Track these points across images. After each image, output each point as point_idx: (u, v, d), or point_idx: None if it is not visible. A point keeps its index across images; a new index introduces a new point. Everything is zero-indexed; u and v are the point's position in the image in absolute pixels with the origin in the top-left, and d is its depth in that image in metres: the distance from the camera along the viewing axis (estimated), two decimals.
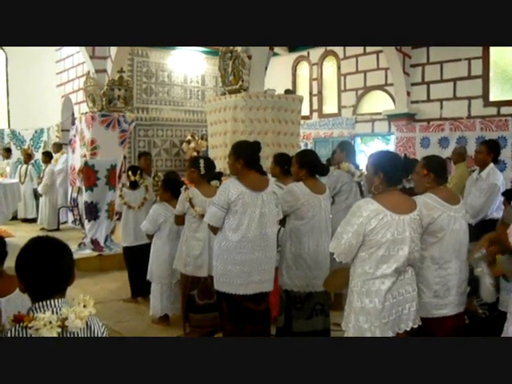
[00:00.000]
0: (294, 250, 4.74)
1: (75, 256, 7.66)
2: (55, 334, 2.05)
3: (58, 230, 11.62)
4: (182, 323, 5.62)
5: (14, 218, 12.27)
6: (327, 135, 12.93)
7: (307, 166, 4.82)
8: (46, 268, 2.15)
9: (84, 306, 2.13)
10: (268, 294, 4.66)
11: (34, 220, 12.54)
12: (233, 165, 4.55)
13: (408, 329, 3.40)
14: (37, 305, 2.14)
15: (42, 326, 2.03)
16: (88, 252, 8.84)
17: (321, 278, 4.68)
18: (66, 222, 12.14)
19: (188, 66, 13.31)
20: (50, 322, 2.04)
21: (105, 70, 10.08)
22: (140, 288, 6.67)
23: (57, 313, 2.10)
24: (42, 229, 11.62)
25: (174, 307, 6.00)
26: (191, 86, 13.48)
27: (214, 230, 4.56)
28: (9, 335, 2.08)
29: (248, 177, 4.46)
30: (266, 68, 7.67)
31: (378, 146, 12.16)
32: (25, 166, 12.67)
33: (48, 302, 2.14)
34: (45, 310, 2.10)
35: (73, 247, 8.92)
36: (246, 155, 4.50)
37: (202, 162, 5.43)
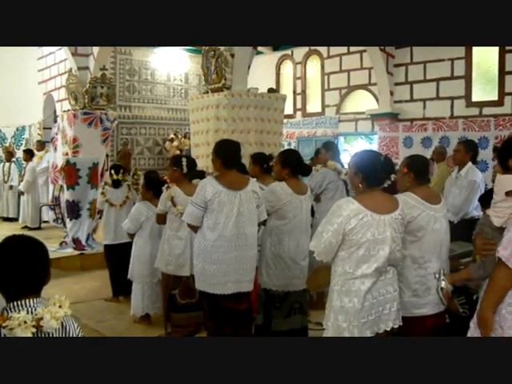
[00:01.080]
0: (273, 249, 4.74)
1: (56, 255, 7.67)
2: (30, 334, 2.02)
3: (39, 228, 11.54)
4: (164, 323, 5.60)
5: None
6: (311, 134, 12.93)
7: (290, 166, 4.81)
8: (21, 267, 2.12)
9: (60, 307, 2.11)
10: (248, 293, 4.65)
11: (15, 219, 12.41)
12: (214, 163, 4.57)
13: (388, 329, 3.40)
14: (11, 304, 2.10)
15: (17, 325, 2.00)
16: (69, 251, 8.80)
17: (299, 277, 4.69)
18: (47, 221, 12.03)
19: (171, 64, 13.25)
20: (25, 322, 2.01)
21: (87, 68, 10.00)
22: (121, 287, 6.64)
23: (32, 313, 2.07)
24: (24, 227, 11.51)
25: (155, 306, 5.99)
26: (174, 84, 13.43)
27: (194, 228, 4.56)
28: None
29: (226, 176, 4.45)
30: (249, 66, 7.65)
31: (361, 145, 12.19)
32: (7, 164, 12.54)
33: (23, 301, 2.10)
34: (19, 310, 2.07)
35: (54, 246, 8.90)
36: (224, 154, 4.51)
37: (184, 160, 5.42)
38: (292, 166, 4.82)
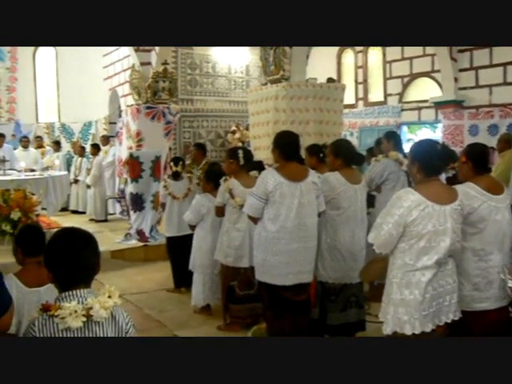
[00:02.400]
0: (329, 240, 4.70)
1: (121, 246, 7.89)
2: (80, 323, 2.09)
3: (106, 220, 11.82)
4: (223, 314, 5.66)
5: (65, 209, 12.55)
6: (373, 124, 12.77)
7: (342, 156, 4.77)
8: (72, 258, 2.19)
9: (109, 297, 2.18)
10: (308, 284, 4.64)
11: (84, 212, 12.76)
12: (273, 155, 4.58)
13: (449, 321, 3.33)
14: (63, 294, 2.18)
15: (68, 314, 2.08)
16: (134, 242, 8.98)
17: (356, 269, 4.62)
18: (114, 213, 12.34)
19: (232, 56, 13.31)
20: (76, 312, 2.08)
21: (149, 63, 10.19)
22: (183, 278, 6.73)
23: (82, 302, 2.14)
24: (91, 220, 11.85)
25: (215, 297, 6.02)
26: (235, 77, 13.48)
27: (254, 220, 4.57)
28: (36, 323, 2.13)
29: (286, 167, 4.45)
30: (307, 57, 7.62)
31: (425, 134, 11.94)
32: (79, 159, 12.91)
33: (74, 291, 2.17)
34: (71, 300, 2.14)
35: (119, 237, 9.12)
36: (283, 146, 4.50)
37: (240, 152, 5.42)
38: (344, 155, 4.78)
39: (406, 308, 3.26)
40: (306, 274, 4.53)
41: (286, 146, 4.52)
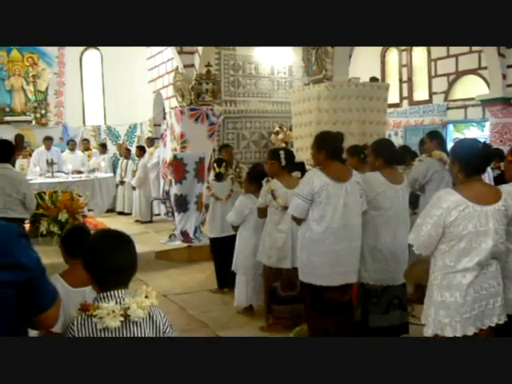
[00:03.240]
0: (370, 241, 4.65)
1: (166, 247, 8.00)
2: (118, 323, 2.13)
3: (151, 221, 11.98)
4: (265, 315, 5.66)
5: (111, 210, 12.77)
6: (418, 123, 12.59)
7: (383, 155, 4.72)
8: (109, 260, 2.24)
9: (146, 297, 2.21)
10: (351, 285, 4.63)
11: (129, 214, 12.95)
12: (315, 156, 4.57)
13: (493, 324, 3.26)
14: (101, 295, 2.23)
15: (106, 314, 2.13)
16: (178, 243, 9.07)
17: (398, 271, 4.57)
18: (159, 214, 12.48)
19: (275, 57, 13.28)
20: (113, 312, 2.13)
21: (193, 65, 10.29)
22: (226, 279, 6.76)
23: (120, 303, 2.19)
24: (137, 221, 12.02)
25: (258, 298, 6.02)
26: (278, 77, 13.45)
27: (298, 221, 4.57)
28: (75, 323, 2.18)
29: (331, 167, 4.43)
30: (350, 56, 7.56)
31: (472, 133, 11.70)
32: (125, 161, 13.12)
33: (112, 292, 2.22)
34: (109, 300, 2.19)
35: (164, 238, 9.22)
36: (328, 146, 4.49)
37: (282, 153, 5.41)
38: (385, 155, 4.72)
39: (446, 310, 3.22)
40: (352, 274, 4.52)
41: (332, 145, 4.50)
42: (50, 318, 2.00)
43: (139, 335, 2.20)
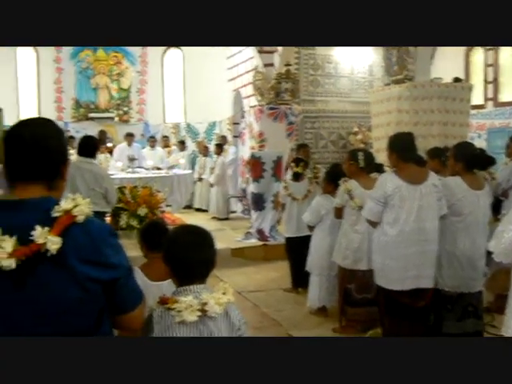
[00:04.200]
0: (447, 247, 4.52)
1: (241, 245, 8.08)
2: (195, 318, 2.16)
3: (227, 219, 12.09)
4: (339, 316, 5.62)
5: (189, 207, 13.00)
6: (503, 125, 12.13)
7: (464, 160, 4.57)
8: (189, 254, 2.27)
9: (223, 293, 2.24)
10: (427, 290, 4.51)
11: (206, 210, 13.10)
12: (389, 158, 4.51)
13: None
14: (180, 289, 2.27)
15: (184, 308, 2.15)
16: (254, 241, 9.12)
17: (475, 278, 4.44)
18: (235, 212, 12.60)
19: (355, 56, 13.15)
20: (191, 306, 2.16)
21: (272, 64, 10.32)
22: (301, 278, 6.74)
23: (197, 298, 2.21)
24: (213, 218, 12.17)
25: (332, 299, 5.98)
26: (358, 77, 13.30)
27: (373, 224, 4.53)
28: (155, 315, 2.22)
29: (405, 169, 4.36)
30: (432, 56, 7.39)
31: None
32: (203, 158, 13.33)
33: (190, 286, 2.25)
34: (187, 294, 2.22)
35: (240, 236, 9.30)
36: (398, 148, 4.44)
37: (360, 154, 5.37)
38: (466, 159, 4.57)
39: None
40: (424, 278, 4.41)
41: (401, 147, 4.45)
42: (134, 319, 1.97)
43: (215, 330, 2.22)
